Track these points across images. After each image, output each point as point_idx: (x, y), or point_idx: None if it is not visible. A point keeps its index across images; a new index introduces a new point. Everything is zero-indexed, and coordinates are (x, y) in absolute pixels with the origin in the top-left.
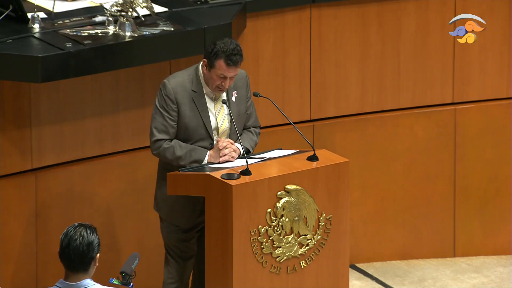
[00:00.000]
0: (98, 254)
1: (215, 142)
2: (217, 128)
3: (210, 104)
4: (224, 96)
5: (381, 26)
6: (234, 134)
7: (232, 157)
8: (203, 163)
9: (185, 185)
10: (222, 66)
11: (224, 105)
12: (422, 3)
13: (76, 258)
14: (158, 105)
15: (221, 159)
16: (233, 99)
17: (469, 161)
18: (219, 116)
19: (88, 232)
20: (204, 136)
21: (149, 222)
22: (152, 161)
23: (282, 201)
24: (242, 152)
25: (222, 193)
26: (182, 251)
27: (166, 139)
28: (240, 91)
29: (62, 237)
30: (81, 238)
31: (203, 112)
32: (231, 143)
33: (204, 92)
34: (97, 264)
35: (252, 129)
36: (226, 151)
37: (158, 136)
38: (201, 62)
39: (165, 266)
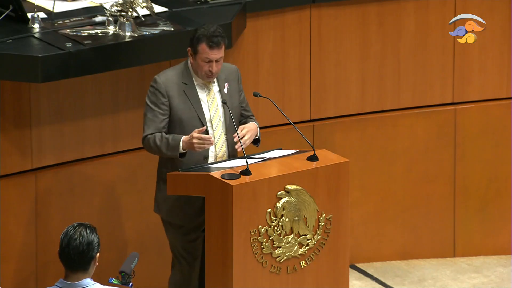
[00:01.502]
0: (98, 254)
1: (210, 133)
2: (210, 119)
3: (202, 95)
4: (220, 96)
5: (381, 26)
6: (230, 124)
7: (202, 146)
8: (180, 151)
9: (185, 185)
10: (205, 49)
11: (217, 96)
12: (422, 3)
13: (76, 258)
14: (148, 102)
15: (195, 146)
16: (225, 90)
17: (469, 161)
18: (211, 107)
19: (88, 231)
20: (199, 127)
21: (149, 222)
22: (152, 161)
23: (282, 201)
24: (258, 136)
25: (222, 193)
26: (189, 252)
27: (154, 133)
28: (232, 84)
29: (62, 236)
30: (81, 237)
31: (196, 104)
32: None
33: (195, 83)
34: (97, 263)
35: (253, 117)
36: (195, 140)
37: (147, 131)
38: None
39: (172, 268)
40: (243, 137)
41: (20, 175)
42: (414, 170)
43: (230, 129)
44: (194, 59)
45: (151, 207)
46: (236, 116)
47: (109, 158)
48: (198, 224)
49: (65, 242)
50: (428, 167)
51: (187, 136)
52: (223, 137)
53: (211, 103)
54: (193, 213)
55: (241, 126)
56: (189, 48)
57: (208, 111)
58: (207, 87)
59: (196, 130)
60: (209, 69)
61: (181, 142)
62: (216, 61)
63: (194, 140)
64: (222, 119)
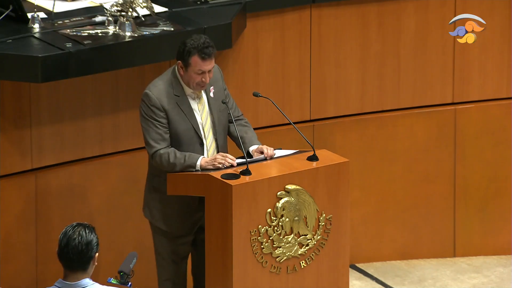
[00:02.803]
0: (97, 254)
1: (204, 142)
2: (203, 127)
3: (193, 105)
4: (207, 102)
5: (381, 26)
6: (219, 128)
7: (222, 164)
8: (196, 168)
9: (185, 185)
10: (198, 61)
11: (206, 102)
12: (422, 3)
13: (75, 257)
14: (147, 116)
15: (217, 161)
16: (211, 94)
17: (469, 161)
18: (203, 115)
19: (87, 231)
20: (194, 138)
21: (148, 222)
22: None
23: (282, 201)
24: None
25: (222, 193)
26: (177, 254)
27: (164, 147)
28: (217, 85)
29: (60, 236)
30: (79, 237)
31: (189, 114)
32: (227, 159)
33: (186, 94)
34: (96, 263)
35: (243, 121)
36: (219, 156)
37: (157, 146)
38: (176, 65)
39: (158, 267)
40: (270, 152)
41: (20, 175)
42: (414, 170)
43: (219, 132)
44: (186, 71)
45: None
46: (225, 117)
47: (109, 158)
48: (188, 230)
49: (64, 242)
50: (428, 167)
51: (209, 158)
52: (214, 142)
53: (202, 111)
54: (183, 220)
55: (259, 148)
56: (179, 62)
57: (201, 120)
58: (197, 95)
59: (223, 154)
60: (202, 79)
61: (199, 161)
62: (209, 71)
63: (218, 156)
64: (211, 124)
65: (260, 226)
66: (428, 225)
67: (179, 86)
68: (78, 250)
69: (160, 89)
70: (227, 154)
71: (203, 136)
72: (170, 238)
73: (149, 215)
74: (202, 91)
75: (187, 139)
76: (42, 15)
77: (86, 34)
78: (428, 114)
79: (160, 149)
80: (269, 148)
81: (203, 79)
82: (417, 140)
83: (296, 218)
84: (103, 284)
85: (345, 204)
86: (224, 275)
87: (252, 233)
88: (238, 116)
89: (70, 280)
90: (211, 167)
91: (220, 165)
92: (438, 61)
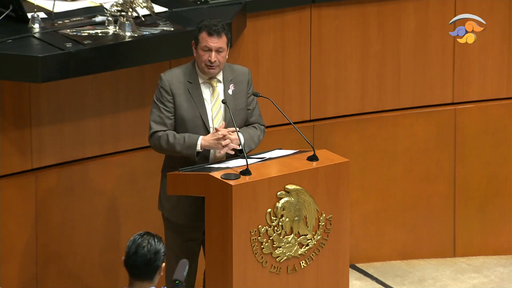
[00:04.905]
0: (164, 264)
1: (211, 130)
2: (212, 119)
3: (206, 95)
4: (222, 95)
5: (381, 26)
6: (231, 125)
7: (231, 148)
8: (197, 150)
9: (185, 185)
10: (204, 37)
11: (220, 96)
12: (422, 3)
13: (142, 266)
14: (155, 98)
15: (223, 150)
16: (230, 92)
17: (469, 161)
18: (214, 107)
19: (156, 240)
20: (201, 128)
21: (149, 222)
22: (152, 161)
23: (282, 201)
24: (241, 143)
25: (222, 193)
26: (184, 252)
27: (162, 130)
28: (240, 85)
29: (129, 244)
30: (149, 245)
31: (199, 103)
32: (229, 132)
33: (200, 82)
34: (162, 273)
35: (256, 124)
36: (227, 141)
37: (155, 128)
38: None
39: (166, 264)
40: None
41: (20, 175)
42: (414, 170)
43: (229, 126)
44: (196, 50)
45: (151, 207)
46: (240, 118)
47: (109, 158)
48: (198, 225)
49: (133, 250)
50: (428, 167)
51: (208, 135)
52: None
53: (214, 103)
54: (194, 214)
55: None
56: (193, 42)
57: (211, 111)
58: (212, 86)
59: (216, 128)
60: (208, 58)
61: (199, 140)
62: (217, 51)
63: (219, 134)
64: (223, 119)
65: (260, 226)
66: (428, 225)
67: (195, 73)
68: (146, 258)
69: (174, 74)
70: (228, 131)
71: (211, 128)
72: (179, 233)
73: (161, 206)
74: (220, 85)
75: (193, 126)
76: (42, 15)
77: (86, 34)
78: (428, 114)
79: (158, 131)
80: (227, 131)
81: (209, 58)
82: (417, 140)
83: (296, 218)
84: None
85: (345, 204)
86: (224, 275)
87: (252, 233)
88: (253, 123)
89: None
90: (214, 146)
91: (222, 148)
92: (438, 61)
